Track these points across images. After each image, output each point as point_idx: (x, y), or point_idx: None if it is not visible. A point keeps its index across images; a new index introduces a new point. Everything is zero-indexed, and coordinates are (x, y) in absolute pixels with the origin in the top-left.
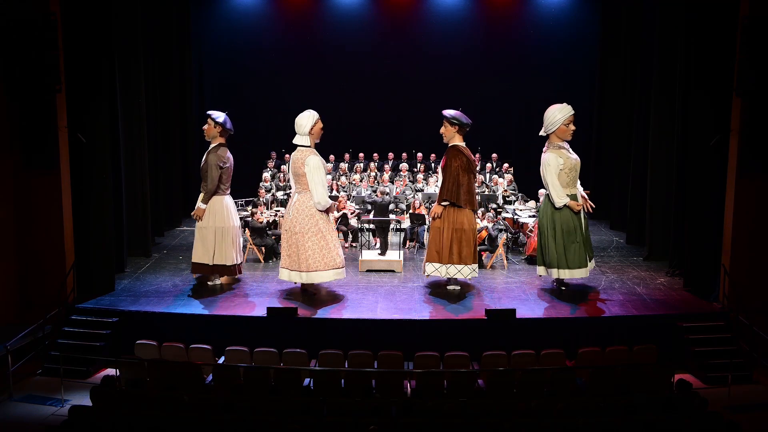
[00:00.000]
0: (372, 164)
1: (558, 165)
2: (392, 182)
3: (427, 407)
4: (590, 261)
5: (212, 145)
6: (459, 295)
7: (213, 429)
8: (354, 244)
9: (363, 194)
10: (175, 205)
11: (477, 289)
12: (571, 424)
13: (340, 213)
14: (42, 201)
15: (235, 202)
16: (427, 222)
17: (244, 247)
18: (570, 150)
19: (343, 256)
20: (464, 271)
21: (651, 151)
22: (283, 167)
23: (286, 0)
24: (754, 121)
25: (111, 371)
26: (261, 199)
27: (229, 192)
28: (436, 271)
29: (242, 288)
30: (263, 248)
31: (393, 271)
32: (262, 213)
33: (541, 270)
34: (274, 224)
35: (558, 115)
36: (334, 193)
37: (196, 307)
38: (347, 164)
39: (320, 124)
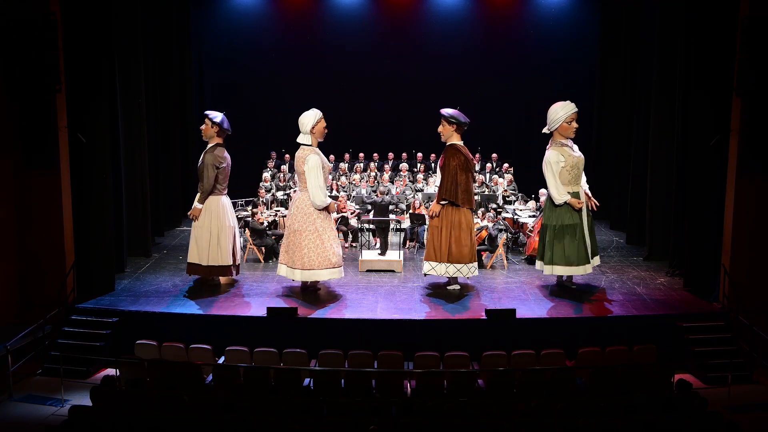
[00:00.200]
0: (372, 164)
1: (559, 162)
2: (392, 182)
3: (427, 407)
4: (593, 258)
5: (209, 145)
6: (459, 295)
7: (213, 429)
8: (354, 244)
9: (363, 194)
10: (175, 205)
11: (477, 289)
12: (571, 424)
13: (340, 215)
14: (42, 201)
15: (235, 202)
16: (427, 222)
17: (244, 247)
18: (573, 147)
19: (341, 256)
20: (463, 270)
21: (651, 151)
22: (283, 167)
23: (286, 0)
24: (754, 121)
25: (111, 371)
26: (261, 199)
27: (226, 192)
28: (433, 269)
29: (242, 288)
30: (263, 248)
31: (393, 271)
32: (262, 213)
33: (539, 265)
34: (274, 224)
35: (561, 112)
36: (334, 193)
37: (196, 307)
38: (347, 164)
39: (323, 123)
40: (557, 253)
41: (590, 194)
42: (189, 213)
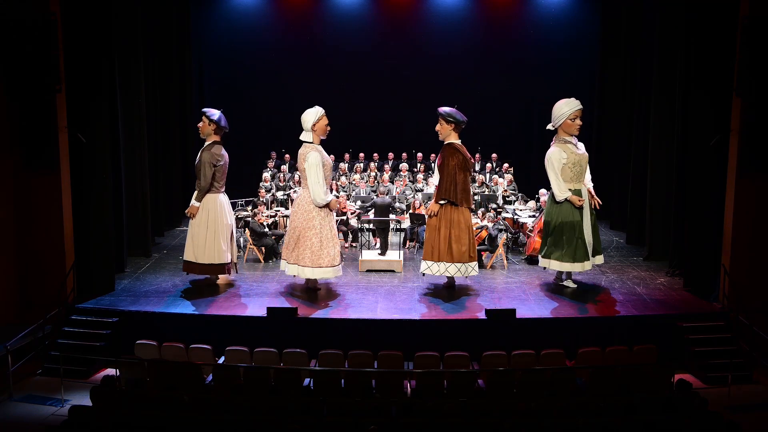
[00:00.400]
0: (372, 164)
1: (561, 159)
2: (392, 182)
3: (427, 407)
4: (594, 257)
5: (207, 143)
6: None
7: (213, 429)
8: (354, 244)
9: (363, 194)
10: (175, 205)
11: (477, 289)
12: (571, 424)
13: (339, 217)
14: (42, 201)
15: (235, 202)
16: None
17: (244, 247)
18: (578, 145)
19: (338, 255)
20: (463, 270)
21: (651, 151)
22: (283, 167)
23: (286, 0)
24: (754, 121)
25: (111, 371)
26: (261, 199)
27: (223, 190)
28: (429, 268)
29: (242, 288)
30: (263, 248)
31: (393, 271)
32: (262, 213)
33: (543, 262)
34: (275, 224)
35: (564, 108)
36: (334, 193)
37: (196, 307)
38: (347, 164)
39: (325, 121)
40: (556, 249)
41: (594, 193)
42: (186, 211)
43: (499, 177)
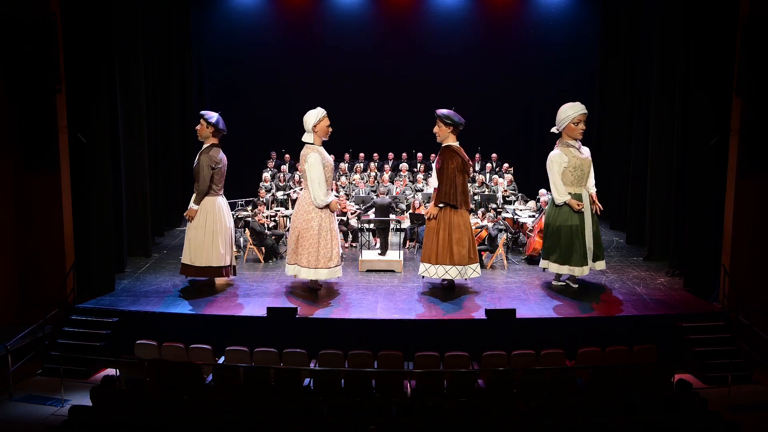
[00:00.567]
0: (372, 164)
1: (562, 163)
2: (392, 182)
3: (427, 407)
4: (594, 262)
5: (205, 146)
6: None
7: (213, 429)
8: (354, 244)
9: (363, 194)
10: (175, 205)
11: (477, 289)
12: (571, 424)
13: (339, 217)
14: (42, 201)
15: (235, 202)
16: None
17: (244, 247)
18: (581, 149)
19: (338, 257)
20: (463, 272)
21: (651, 151)
22: (283, 167)
23: (286, 0)
24: (754, 121)
25: (111, 371)
26: (261, 199)
27: (222, 192)
28: (426, 271)
29: (242, 288)
30: (263, 248)
31: (393, 271)
32: (262, 213)
33: (543, 263)
34: (275, 224)
35: (568, 112)
36: (334, 193)
37: (196, 307)
38: (347, 164)
39: (326, 122)
40: (555, 251)
41: (596, 198)
42: (185, 213)
43: (499, 177)
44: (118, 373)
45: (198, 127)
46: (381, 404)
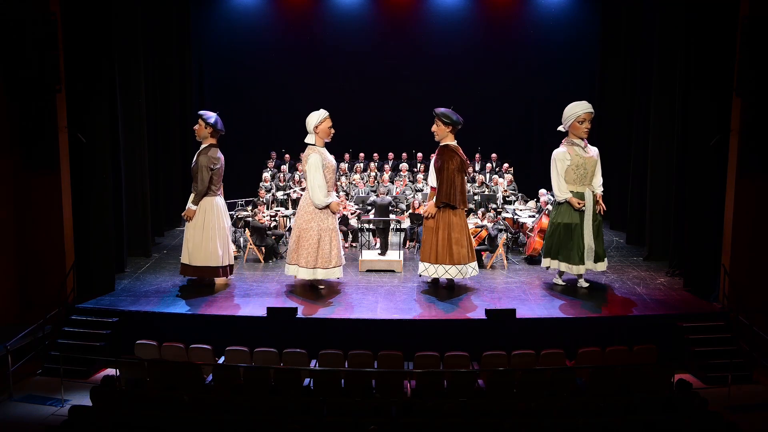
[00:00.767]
0: (372, 164)
1: (565, 161)
2: (392, 182)
3: (427, 407)
4: (595, 263)
5: (203, 146)
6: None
7: (213, 429)
8: (354, 244)
9: (363, 194)
10: (175, 205)
11: (477, 289)
12: (571, 424)
13: (340, 215)
14: (42, 201)
15: (235, 202)
16: None
17: (244, 247)
18: (587, 148)
19: (337, 257)
20: (463, 271)
21: (651, 151)
22: (283, 167)
23: (286, 0)
24: (754, 121)
25: (111, 371)
26: (261, 199)
27: (219, 193)
28: (426, 270)
29: (242, 288)
30: (263, 248)
31: (393, 271)
32: (262, 213)
33: (544, 262)
34: (274, 225)
35: (574, 110)
36: (334, 194)
37: (196, 307)
38: (347, 164)
39: (328, 123)
40: (553, 248)
41: (600, 198)
42: (183, 214)
43: (499, 177)
44: (118, 373)
45: (196, 127)
46: (381, 404)
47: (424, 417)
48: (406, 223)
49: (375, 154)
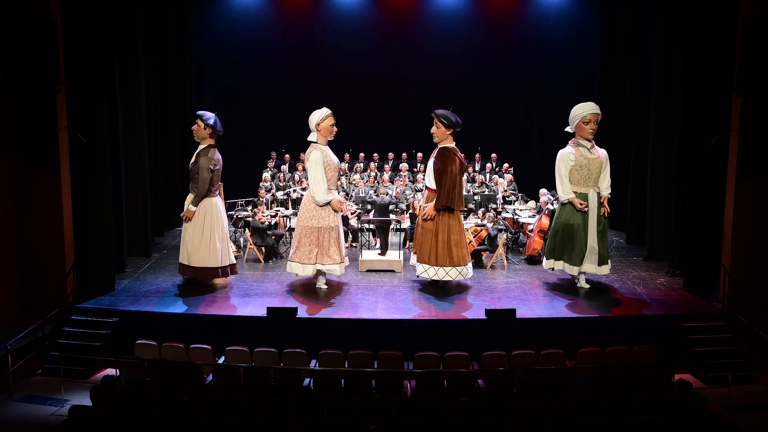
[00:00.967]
0: (372, 164)
1: (569, 161)
2: (392, 182)
3: (427, 407)
4: (599, 266)
5: (201, 147)
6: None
7: (213, 429)
8: (354, 244)
9: (363, 194)
10: (175, 205)
11: (477, 289)
12: (571, 424)
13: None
14: (42, 201)
15: (235, 202)
16: None
17: (244, 247)
18: (592, 150)
19: (337, 255)
20: (464, 272)
21: (651, 151)
22: (283, 167)
23: (286, 0)
24: (754, 121)
25: (111, 371)
26: (261, 199)
27: (218, 193)
28: (425, 272)
29: (242, 288)
30: (263, 248)
31: (393, 271)
32: (262, 213)
33: (547, 263)
34: (275, 224)
35: (580, 110)
36: (335, 191)
37: (196, 307)
38: (347, 164)
39: (330, 121)
40: (556, 249)
41: (606, 200)
42: (182, 214)
43: (499, 177)
44: (118, 373)
45: (195, 127)
46: (381, 404)
47: (424, 417)
48: (406, 223)
49: (375, 154)
